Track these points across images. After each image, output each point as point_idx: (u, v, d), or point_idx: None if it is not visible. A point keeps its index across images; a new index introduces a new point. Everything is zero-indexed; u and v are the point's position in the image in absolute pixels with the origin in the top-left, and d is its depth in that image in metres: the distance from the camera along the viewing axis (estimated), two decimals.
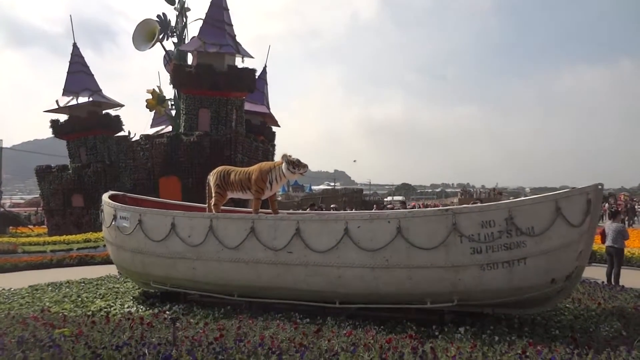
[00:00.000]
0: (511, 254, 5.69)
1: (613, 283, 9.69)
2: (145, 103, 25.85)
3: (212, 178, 7.56)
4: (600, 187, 5.80)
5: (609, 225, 10.64)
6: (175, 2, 26.97)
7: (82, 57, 27.52)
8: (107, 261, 12.33)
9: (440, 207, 6.68)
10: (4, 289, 9.43)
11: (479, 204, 7.42)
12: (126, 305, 7.73)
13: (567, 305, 7.20)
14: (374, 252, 5.97)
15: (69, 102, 26.25)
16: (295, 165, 6.95)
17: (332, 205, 20.15)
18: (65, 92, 26.64)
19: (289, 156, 7.01)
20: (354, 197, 42.34)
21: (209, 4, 24.19)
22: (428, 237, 5.81)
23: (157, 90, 26.22)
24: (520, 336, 5.30)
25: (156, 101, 25.89)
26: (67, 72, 26.99)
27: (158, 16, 26.21)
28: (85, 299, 8.30)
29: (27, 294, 8.92)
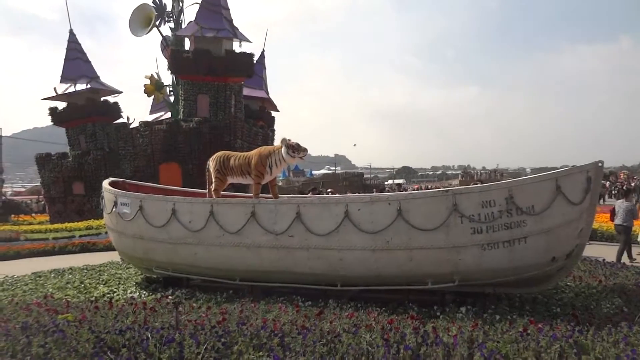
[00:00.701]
0: (512, 233, 5.70)
1: (621, 260, 9.71)
2: (144, 88, 25.75)
3: (212, 163, 7.55)
4: (600, 164, 5.78)
5: (619, 204, 10.64)
6: None
7: (79, 44, 27.32)
8: (109, 248, 12.38)
9: (441, 189, 6.68)
10: (7, 276, 9.48)
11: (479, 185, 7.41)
12: (129, 291, 7.78)
13: (568, 283, 7.23)
14: (375, 234, 5.98)
15: (67, 89, 26.14)
16: (294, 149, 6.93)
17: (328, 190, 20.10)
18: (63, 79, 26.49)
19: (289, 140, 6.98)
20: (355, 181, 42.36)
21: None
22: (428, 218, 5.81)
23: (156, 76, 26.11)
24: (522, 315, 5.33)
25: (154, 87, 25.79)
26: (65, 59, 26.83)
27: (154, 1, 25.97)
28: (88, 285, 8.35)
29: (30, 281, 8.97)
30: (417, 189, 30.67)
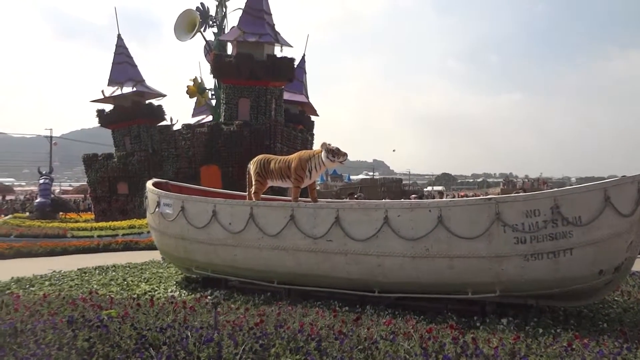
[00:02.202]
0: (556, 244, 5.53)
1: None
2: (186, 89, 26.30)
3: (252, 166, 7.63)
4: None
5: None
6: None
7: (126, 48, 28.20)
8: (150, 247, 12.67)
9: (482, 197, 6.56)
10: (54, 271, 9.83)
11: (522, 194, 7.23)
12: (169, 290, 7.94)
13: (616, 297, 6.95)
14: (414, 241, 5.91)
15: (113, 92, 27.00)
16: (334, 153, 6.92)
17: (357, 194, 19.48)
18: (111, 83, 27.39)
19: (329, 144, 6.99)
20: (393, 187, 42.02)
21: None
22: (470, 226, 5.70)
23: (199, 79, 26.65)
24: (566, 329, 5.15)
25: (197, 89, 26.30)
26: (112, 63, 27.75)
27: (197, 7, 26.53)
28: (130, 282, 8.57)
29: (76, 277, 9.27)
30: (463, 197, 30.18)
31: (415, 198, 20.89)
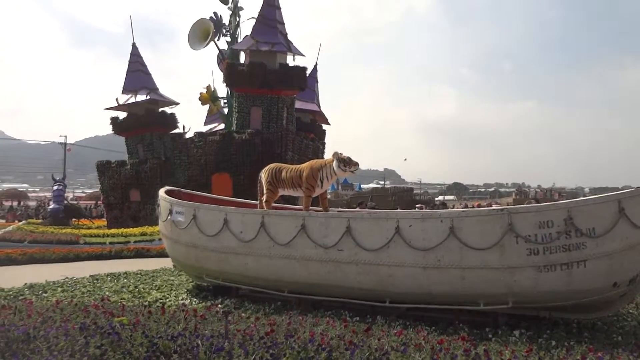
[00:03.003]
0: (570, 255, 5.48)
1: None
2: (199, 95, 26.50)
3: (264, 175, 7.65)
4: None
5: None
6: (228, 1, 27.54)
7: (141, 57, 28.54)
8: (162, 254, 12.73)
9: (495, 207, 6.53)
10: (67, 278, 9.91)
11: (534, 204, 7.19)
12: (180, 298, 7.96)
13: (631, 310, 6.86)
14: (426, 251, 5.88)
15: (127, 100, 27.30)
16: (346, 163, 6.93)
17: (367, 203, 19.27)
18: (125, 91, 27.71)
19: (340, 154, 6.99)
20: (404, 196, 41.90)
21: (261, 3, 24.52)
22: (482, 237, 5.66)
23: (212, 87, 26.88)
24: (580, 341, 5.09)
25: (209, 96, 26.50)
26: (127, 71, 28.10)
27: (211, 17, 26.79)
28: (142, 289, 8.61)
29: (88, 283, 9.34)
30: (478, 207, 29.95)
31: (420, 207, 20.77)
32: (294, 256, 6.74)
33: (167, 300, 7.79)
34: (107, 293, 8.26)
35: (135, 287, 8.85)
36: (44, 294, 8.27)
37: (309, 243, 6.60)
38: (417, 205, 22.80)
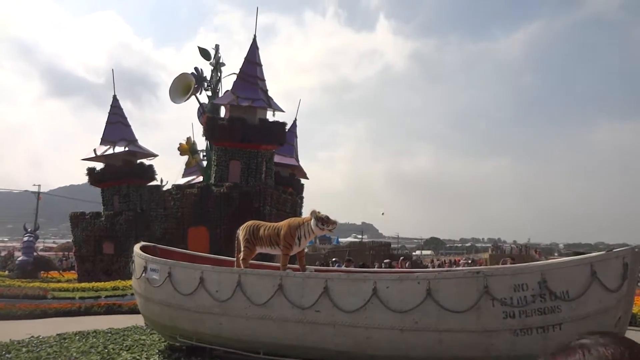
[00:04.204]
0: (545, 319, 5.52)
1: None
2: (178, 145, 26.52)
3: (241, 232, 7.62)
4: (637, 250, 5.64)
5: None
6: (211, 57, 28.09)
7: (121, 109, 28.64)
8: (134, 310, 12.36)
9: (470, 269, 6.57)
10: (32, 337, 9.52)
11: (509, 264, 7.27)
12: (152, 359, 7.69)
13: None
14: (403, 313, 5.86)
15: (105, 150, 27.13)
16: (324, 221, 6.97)
17: (334, 259, 20.13)
18: (103, 142, 27.58)
19: (318, 212, 7.04)
20: (382, 250, 41.87)
21: (243, 60, 25.09)
22: (459, 299, 5.69)
23: (192, 139, 27.00)
24: None
25: (189, 147, 26.55)
26: (106, 122, 28.05)
27: (193, 72, 27.26)
28: (111, 350, 8.30)
29: (55, 343, 8.97)
30: (459, 262, 30.05)
31: (388, 263, 20.79)
32: (270, 316, 6.63)
33: None
34: (74, 354, 7.95)
35: (105, 347, 8.53)
36: (7, 355, 7.92)
37: (286, 303, 6.53)
38: (385, 261, 22.68)
